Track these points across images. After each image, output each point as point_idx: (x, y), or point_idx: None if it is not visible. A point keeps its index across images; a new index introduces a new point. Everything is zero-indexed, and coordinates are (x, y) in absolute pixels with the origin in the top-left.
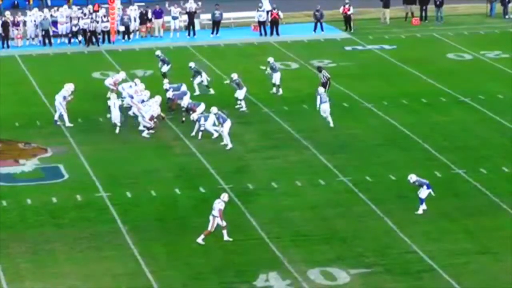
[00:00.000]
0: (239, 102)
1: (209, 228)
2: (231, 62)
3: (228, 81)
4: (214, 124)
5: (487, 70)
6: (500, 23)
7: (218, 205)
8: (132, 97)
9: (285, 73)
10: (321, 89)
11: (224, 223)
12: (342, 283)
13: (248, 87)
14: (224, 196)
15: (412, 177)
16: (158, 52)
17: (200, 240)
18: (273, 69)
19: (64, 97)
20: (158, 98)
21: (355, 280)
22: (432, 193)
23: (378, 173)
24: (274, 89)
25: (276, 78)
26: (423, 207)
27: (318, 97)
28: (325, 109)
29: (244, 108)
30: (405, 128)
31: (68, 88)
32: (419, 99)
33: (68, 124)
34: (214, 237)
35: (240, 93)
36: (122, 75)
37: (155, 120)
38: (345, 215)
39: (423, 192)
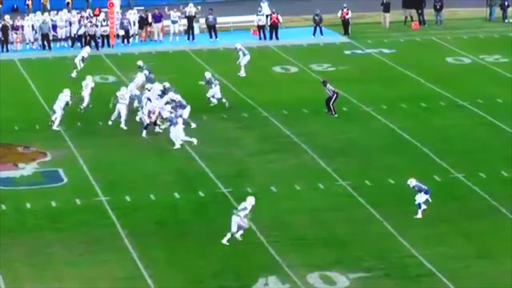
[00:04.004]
0: (212, 99)
1: (232, 229)
2: (230, 66)
3: (202, 82)
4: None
5: (486, 74)
6: (499, 27)
7: (243, 205)
8: (150, 100)
9: (284, 77)
10: (238, 45)
11: (246, 225)
12: (342, 287)
13: (248, 91)
14: (251, 200)
15: (412, 182)
16: (139, 62)
17: (225, 241)
18: (210, 83)
19: (67, 103)
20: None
21: (354, 284)
22: (429, 199)
23: (377, 177)
24: (222, 101)
25: (216, 92)
26: (423, 208)
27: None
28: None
29: (214, 102)
30: (404, 132)
31: (68, 92)
32: (418, 103)
33: (55, 127)
34: (213, 241)
35: (215, 91)
36: (141, 77)
37: (151, 116)
38: (344, 219)
39: (421, 197)
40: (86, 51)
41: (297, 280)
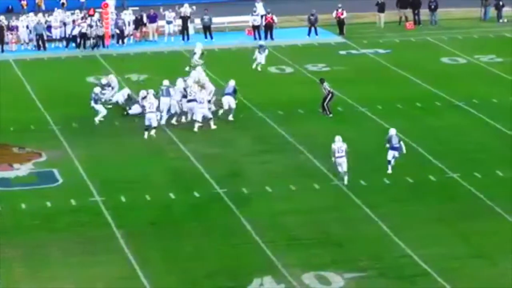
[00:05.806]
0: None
1: (344, 170)
2: (225, 66)
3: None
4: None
5: (481, 74)
6: (494, 27)
7: (343, 146)
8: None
9: (280, 78)
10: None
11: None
12: (337, 287)
13: (243, 91)
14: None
15: (392, 131)
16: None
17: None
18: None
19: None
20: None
21: (349, 284)
22: (397, 154)
23: (372, 177)
24: None
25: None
26: (392, 163)
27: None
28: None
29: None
30: (399, 132)
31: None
32: (414, 103)
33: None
34: (209, 241)
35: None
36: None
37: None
38: (339, 219)
39: (389, 154)
40: (199, 47)
41: (292, 280)
